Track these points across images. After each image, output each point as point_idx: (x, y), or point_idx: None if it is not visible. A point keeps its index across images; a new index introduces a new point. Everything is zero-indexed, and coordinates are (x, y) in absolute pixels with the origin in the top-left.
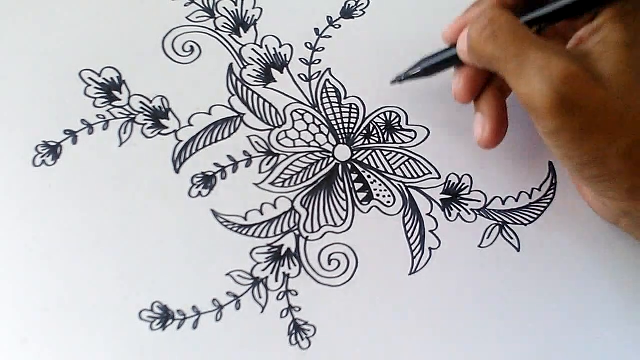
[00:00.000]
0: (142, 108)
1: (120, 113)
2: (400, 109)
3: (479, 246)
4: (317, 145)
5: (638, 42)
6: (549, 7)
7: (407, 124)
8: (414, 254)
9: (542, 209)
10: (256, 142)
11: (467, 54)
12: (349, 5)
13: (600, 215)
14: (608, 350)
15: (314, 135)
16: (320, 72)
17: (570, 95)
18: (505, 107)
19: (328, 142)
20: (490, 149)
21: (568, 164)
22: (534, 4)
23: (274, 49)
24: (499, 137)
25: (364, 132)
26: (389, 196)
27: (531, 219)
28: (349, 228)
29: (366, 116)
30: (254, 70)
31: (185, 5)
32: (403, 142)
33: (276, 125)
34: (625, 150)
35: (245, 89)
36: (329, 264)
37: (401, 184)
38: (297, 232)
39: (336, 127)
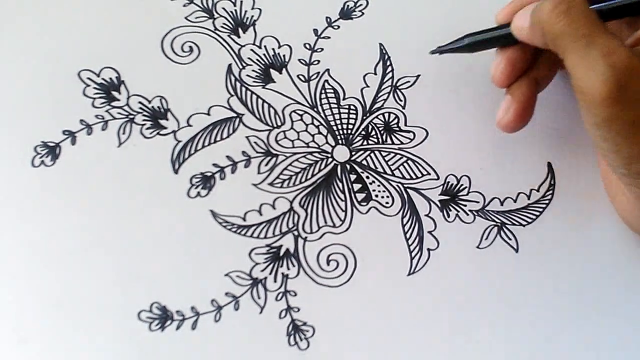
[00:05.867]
0: (141, 108)
1: (119, 113)
2: (399, 109)
3: (478, 247)
4: (316, 145)
5: None
6: (615, 2)
7: (405, 125)
8: (413, 254)
9: (541, 210)
10: (255, 142)
11: (528, 29)
12: (348, 6)
13: (636, 229)
14: (607, 350)
15: (312, 135)
16: (319, 72)
17: (630, 86)
18: (535, 99)
19: (327, 142)
20: (508, 132)
21: (615, 158)
22: None
23: (273, 49)
24: (521, 123)
25: (363, 132)
26: (387, 197)
27: (529, 220)
28: (347, 229)
29: (365, 117)
30: (253, 70)
31: (184, 6)
32: (402, 143)
33: (275, 125)
34: None
35: (244, 89)
36: (328, 264)
37: (400, 185)
38: (295, 233)
39: (335, 127)
